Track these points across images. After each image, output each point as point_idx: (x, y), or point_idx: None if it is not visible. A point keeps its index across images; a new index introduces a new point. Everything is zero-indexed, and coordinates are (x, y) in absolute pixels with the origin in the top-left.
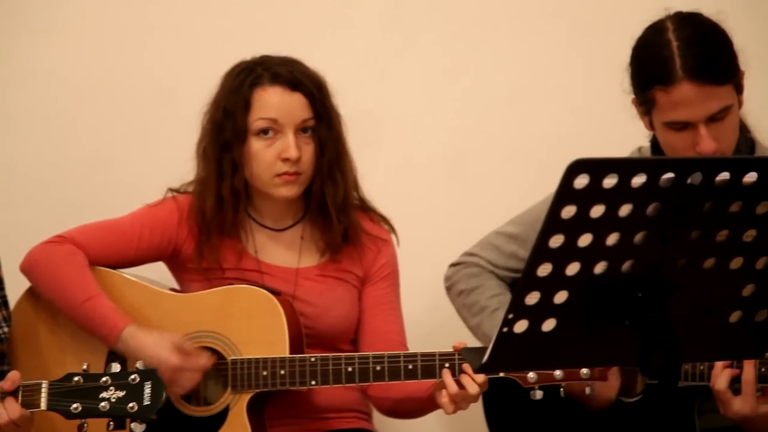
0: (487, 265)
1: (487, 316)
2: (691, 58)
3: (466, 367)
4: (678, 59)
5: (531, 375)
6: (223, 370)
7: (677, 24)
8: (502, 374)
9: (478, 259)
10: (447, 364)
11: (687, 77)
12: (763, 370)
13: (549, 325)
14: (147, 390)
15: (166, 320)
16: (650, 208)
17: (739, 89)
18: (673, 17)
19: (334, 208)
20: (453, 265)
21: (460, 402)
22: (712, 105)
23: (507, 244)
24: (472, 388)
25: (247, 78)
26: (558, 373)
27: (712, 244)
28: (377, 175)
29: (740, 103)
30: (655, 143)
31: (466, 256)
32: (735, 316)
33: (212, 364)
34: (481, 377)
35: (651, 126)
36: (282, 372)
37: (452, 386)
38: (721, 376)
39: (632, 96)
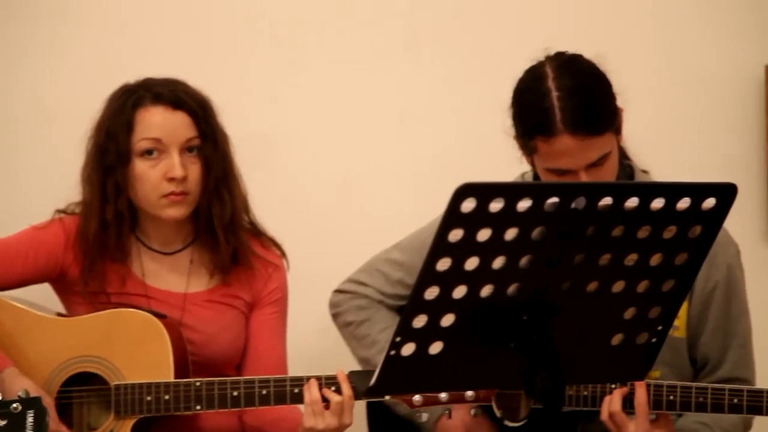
0: (375, 294)
1: (377, 351)
2: (570, 110)
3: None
4: (558, 112)
5: (417, 397)
6: (107, 396)
7: (557, 71)
8: (388, 397)
9: (365, 288)
10: (333, 388)
11: (567, 130)
12: (671, 397)
13: (436, 348)
14: (29, 419)
15: (46, 346)
16: (535, 232)
17: (618, 131)
18: (553, 61)
19: (221, 227)
20: (339, 291)
21: (318, 415)
22: (591, 154)
23: (394, 271)
24: (335, 398)
25: (129, 99)
26: (443, 395)
27: (595, 267)
28: (267, 197)
29: (619, 141)
30: None
31: (353, 285)
32: (617, 339)
33: None
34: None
35: (533, 165)
36: (167, 397)
37: (315, 394)
38: (614, 397)
39: (514, 134)
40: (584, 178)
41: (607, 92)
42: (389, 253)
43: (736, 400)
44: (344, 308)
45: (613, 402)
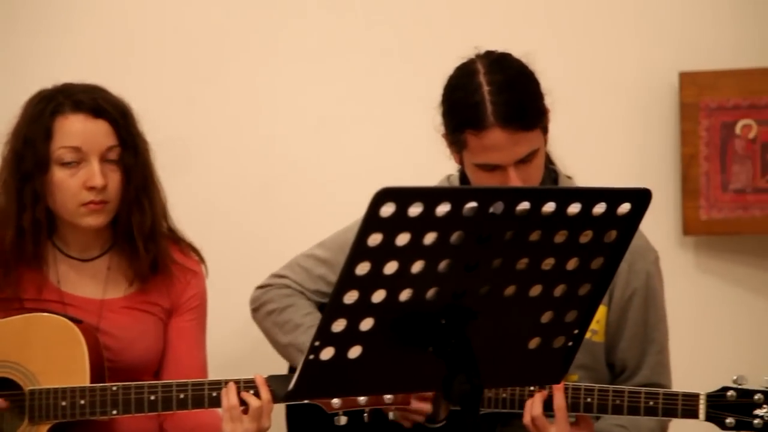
0: (296, 286)
1: (302, 333)
2: (502, 104)
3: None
4: (489, 105)
5: (335, 401)
6: (20, 401)
7: (488, 67)
8: (306, 400)
9: (287, 280)
10: (252, 392)
11: (498, 124)
12: (589, 399)
13: (355, 352)
14: None
15: None
16: (454, 237)
17: (545, 130)
18: (483, 58)
19: (141, 236)
20: (260, 287)
21: (236, 420)
22: (521, 150)
23: (316, 267)
24: (254, 402)
25: (47, 106)
26: (362, 398)
27: (512, 272)
28: (185, 201)
29: (546, 142)
30: (464, 172)
31: (275, 278)
32: (534, 343)
33: (6, 407)
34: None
35: (461, 162)
36: (82, 402)
37: (233, 399)
38: (535, 401)
39: (443, 131)
40: (513, 174)
41: (536, 90)
42: (312, 251)
43: (651, 403)
44: (266, 298)
45: (534, 406)
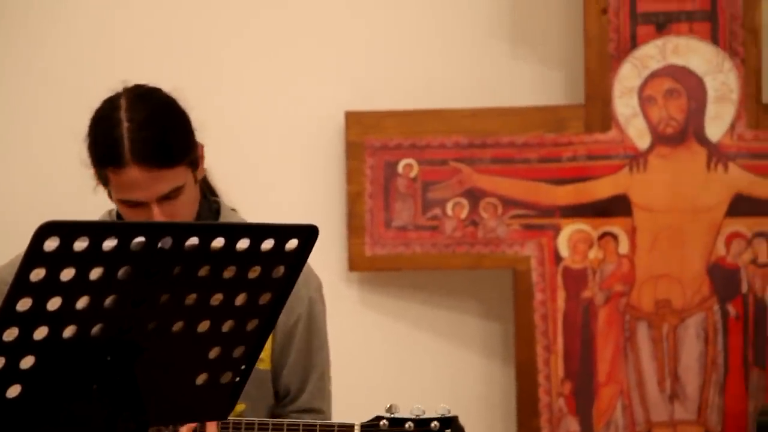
0: None
1: None
2: (140, 142)
3: None
4: (126, 143)
5: None
6: None
7: (131, 103)
8: None
9: None
10: None
11: (135, 161)
12: None
13: (14, 391)
14: None
15: None
16: (121, 272)
17: (195, 165)
18: (128, 93)
19: None
20: None
21: None
22: (162, 187)
23: None
24: None
25: None
26: None
27: (181, 307)
28: None
29: (200, 175)
30: None
31: None
32: (201, 378)
33: None
34: None
35: (111, 196)
36: None
37: None
38: None
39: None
40: (156, 210)
41: (181, 126)
42: None
43: None
44: None
45: None
